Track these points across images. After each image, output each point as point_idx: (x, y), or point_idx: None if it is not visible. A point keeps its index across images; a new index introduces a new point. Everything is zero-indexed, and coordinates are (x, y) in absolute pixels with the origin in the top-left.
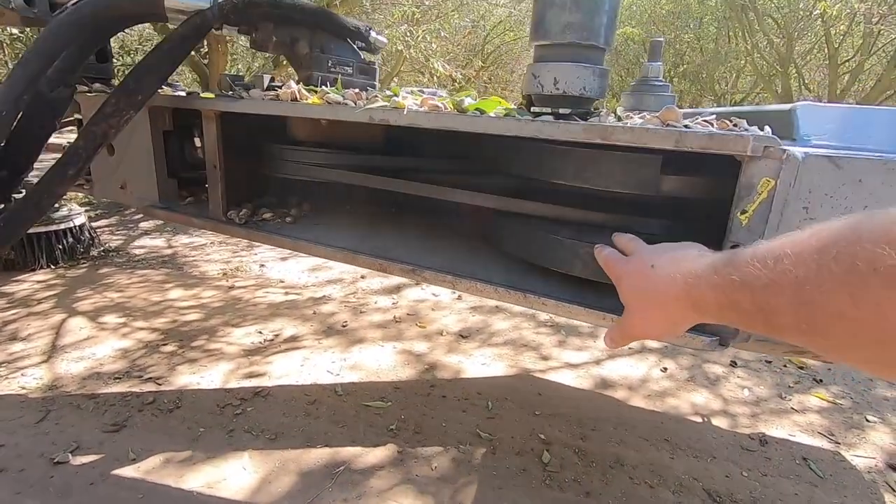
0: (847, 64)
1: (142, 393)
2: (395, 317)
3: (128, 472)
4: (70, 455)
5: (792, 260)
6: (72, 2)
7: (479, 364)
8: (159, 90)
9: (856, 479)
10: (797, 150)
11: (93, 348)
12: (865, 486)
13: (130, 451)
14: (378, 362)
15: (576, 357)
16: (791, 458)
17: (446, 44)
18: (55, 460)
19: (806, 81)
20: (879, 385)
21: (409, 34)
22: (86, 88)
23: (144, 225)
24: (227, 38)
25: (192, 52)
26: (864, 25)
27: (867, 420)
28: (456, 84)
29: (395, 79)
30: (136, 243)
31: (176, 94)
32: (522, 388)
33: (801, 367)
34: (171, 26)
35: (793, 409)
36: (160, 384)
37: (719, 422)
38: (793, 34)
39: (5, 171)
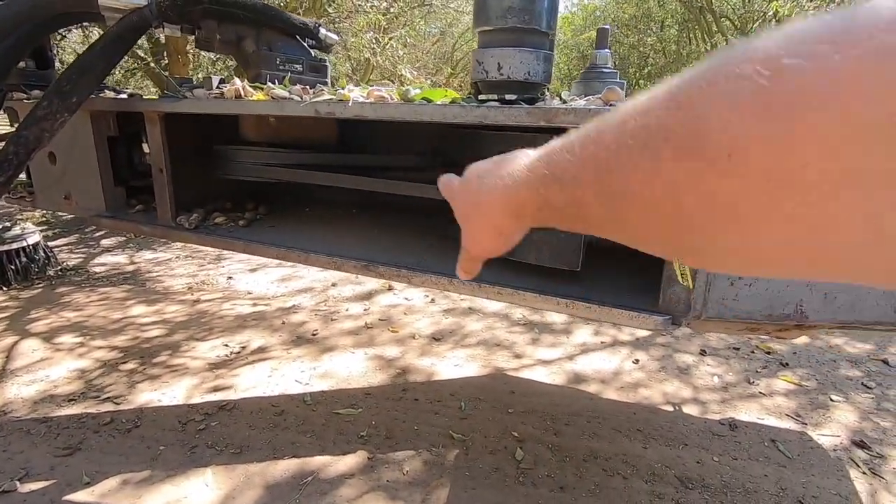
0: None
1: (98, 414)
2: (366, 323)
3: (80, 496)
4: (18, 483)
5: (594, 141)
6: None
7: (453, 366)
8: (98, 93)
9: (822, 458)
10: None
11: (46, 370)
12: (832, 463)
13: (84, 474)
14: (349, 369)
15: (549, 354)
16: (760, 440)
17: (415, 51)
18: (1, 489)
19: None
20: (843, 366)
21: (375, 41)
22: (24, 95)
23: (106, 242)
24: (189, 48)
25: (153, 64)
26: None
27: (832, 400)
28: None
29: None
30: (97, 261)
31: (118, 97)
32: (496, 387)
33: (768, 353)
34: (107, 26)
35: (761, 393)
36: (118, 403)
37: (690, 409)
38: (749, 34)
39: None
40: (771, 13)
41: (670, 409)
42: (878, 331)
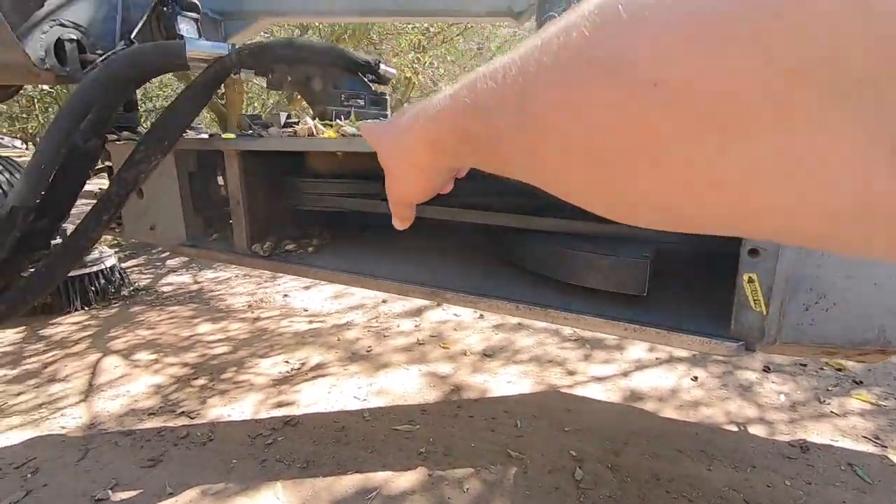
0: None
1: (176, 427)
2: (418, 339)
3: None
4: (110, 492)
5: (520, 64)
6: (101, 59)
7: (505, 382)
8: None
9: None
10: None
11: (127, 386)
12: None
13: (167, 485)
14: (404, 386)
15: (602, 370)
16: (835, 464)
17: (453, 67)
18: (96, 497)
19: None
20: None
21: (416, 61)
22: (115, 136)
23: (171, 263)
24: (244, 79)
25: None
26: None
27: None
28: None
29: (406, 105)
30: (164, 281)
31: (199, 136)
32: (550, 404)
33: (839, 370)
34: (192, 74)
35: (833, 412)
36: (193, 418)
37: (756, 430)
38: None
39: (46, 220)
40: None
41: (734, 429)
42: None
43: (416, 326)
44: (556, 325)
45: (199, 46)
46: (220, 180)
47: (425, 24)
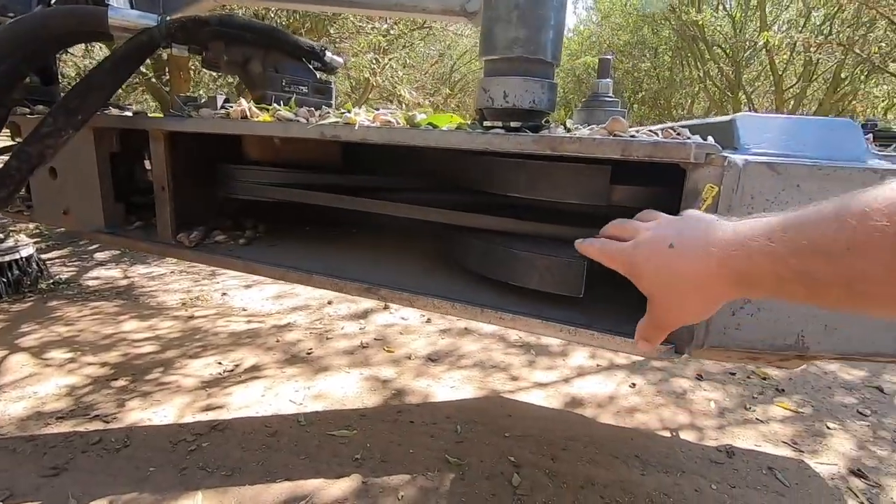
0: (791, 90)
1: (87, 432)
2: (362, 342)
3: None
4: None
5: (887, 216)
6: (9, 20)
7: (448, 387)
8: (104, 110)
9: (820, 487)
10: (738, 157)
11: (35, 386)
12: (830, 492)
13: (70, 496)
14: (344, 390)
15: (545, 376)
16: (758, 468)
17: (414, 72)
18: None
19: (755, 106)
20: (838, 392)
21: (375, 62)
22: (27, 110)
23: (100, 255)
24: (190, 64)
25: (154, 79)
26: (804, 54)
27: (828, 427)
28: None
29: (363, 105)
30: (90, 274)
31: (123, 114)
32: (492, 410)
33: (764, 378)
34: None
35: (757, 419)
36: (108, 422)
37: (687, 435)
38: (740, 62)
39: None
40: (761, 43)
41: (667, 434)
42: (879, 362)
43: (361, 329)
44: (492, 324)
45: (123, 14)
46: (148, 164)
47: (385, 26)
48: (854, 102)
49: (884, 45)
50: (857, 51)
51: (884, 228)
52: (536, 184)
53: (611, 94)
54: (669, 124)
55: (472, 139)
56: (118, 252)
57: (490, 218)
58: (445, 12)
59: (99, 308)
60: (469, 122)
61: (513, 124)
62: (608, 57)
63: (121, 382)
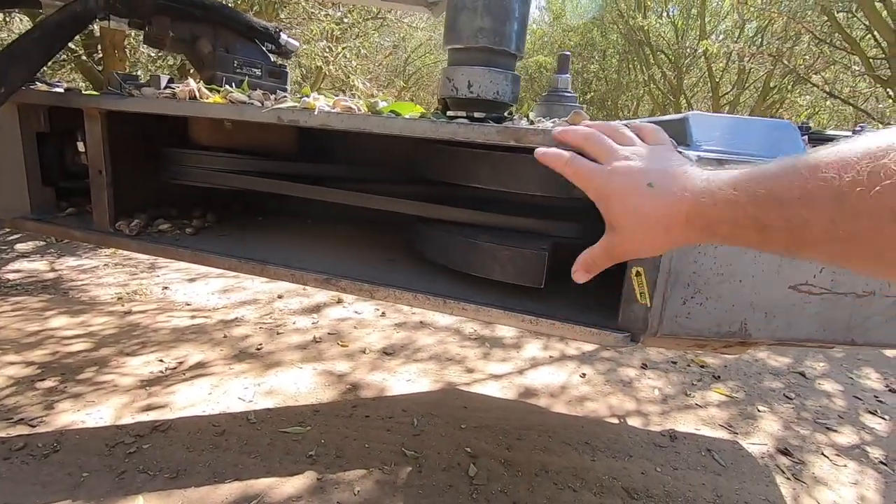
0: (726, 96)
1: (9, 438)
2: (315, 337)
3: None
4: None
5: (835, 169)
6: None
7: (405, 381)
8: (30, 85)
9: (752, 465)
10: (691, 153)
11: None
12: (761, 470)
13: None
14: (296, 385)
15: (500, 368)
16: (697, 450)
17: (367, 63)
18: None
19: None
20: (767, 378)
21: (328, 50)
22: None
23: (21, 247)
24: (126, 43)
25: (85, 57)
26: (739, 63)
27: (758, 410)
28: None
29: (341, 96)
30: (10, 267)
31: (54, 90)
32: (448, 402)
33: (702, 366)
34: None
35: (696, 404)
36: (34, 426)
37: (634, 421)
38: (682, 68)
39: None
40: (700, 51)
41: (615, 421)
42: (809, 347)
43: (313, 324)
44: (455, 315)
45: None
46: (81, 146)
47: (339, 14)
48: (781, 110)
49: (808, 57)
50: (785, 62)
51: (830, 180)
52: (499, 175)
53: (570, 90)
54: (626, 121)
55: (437, 128)
56: (43, 242)
57: (452, 209)
58: (406, 1)
59: (21, 303)
60: (432, 112)
61: (476, 114)
62: (567, 53)
63: (49, 383)
